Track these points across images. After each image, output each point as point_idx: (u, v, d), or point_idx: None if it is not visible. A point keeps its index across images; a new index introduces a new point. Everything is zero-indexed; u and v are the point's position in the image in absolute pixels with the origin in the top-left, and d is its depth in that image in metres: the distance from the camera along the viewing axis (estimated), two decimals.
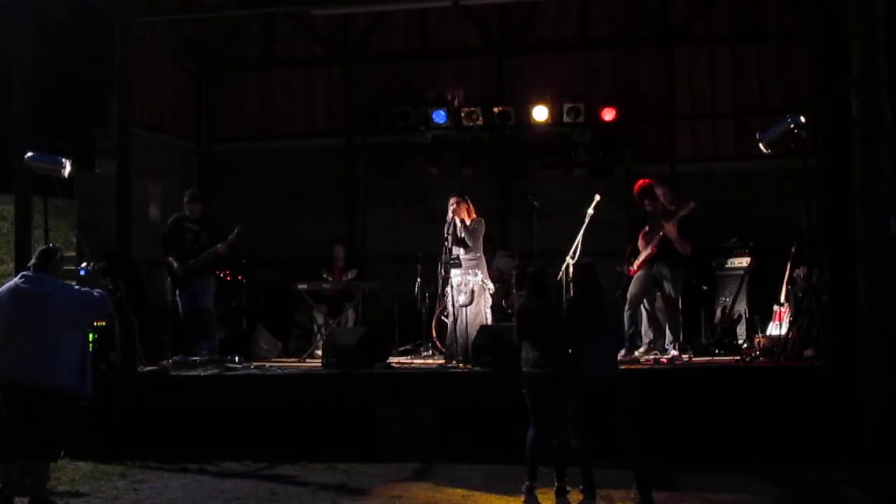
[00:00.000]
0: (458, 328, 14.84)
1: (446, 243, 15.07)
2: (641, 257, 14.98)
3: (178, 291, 15.91)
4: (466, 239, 15.03)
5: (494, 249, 16.92)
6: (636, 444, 10.92)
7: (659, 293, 15.09)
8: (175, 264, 15.75)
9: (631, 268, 15.14)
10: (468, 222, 15.06)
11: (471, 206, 15.25)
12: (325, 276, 17.33)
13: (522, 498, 10.91)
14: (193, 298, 15.72)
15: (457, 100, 19.02)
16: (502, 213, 18.74)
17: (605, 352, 11.12)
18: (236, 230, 15.61)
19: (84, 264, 13.76)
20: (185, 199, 16.02)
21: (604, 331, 11.14)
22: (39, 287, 10.64)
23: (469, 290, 14.89)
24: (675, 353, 14.62)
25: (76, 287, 11.35)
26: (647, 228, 15.10)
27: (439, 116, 18.67)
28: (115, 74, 16.12)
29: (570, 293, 14.19)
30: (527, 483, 11.03)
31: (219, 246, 15.56)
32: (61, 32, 19.67)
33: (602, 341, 11.09)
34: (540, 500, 10.82)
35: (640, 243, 15.06)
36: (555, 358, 11.05)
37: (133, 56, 16.65)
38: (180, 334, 16.03)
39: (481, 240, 15.27)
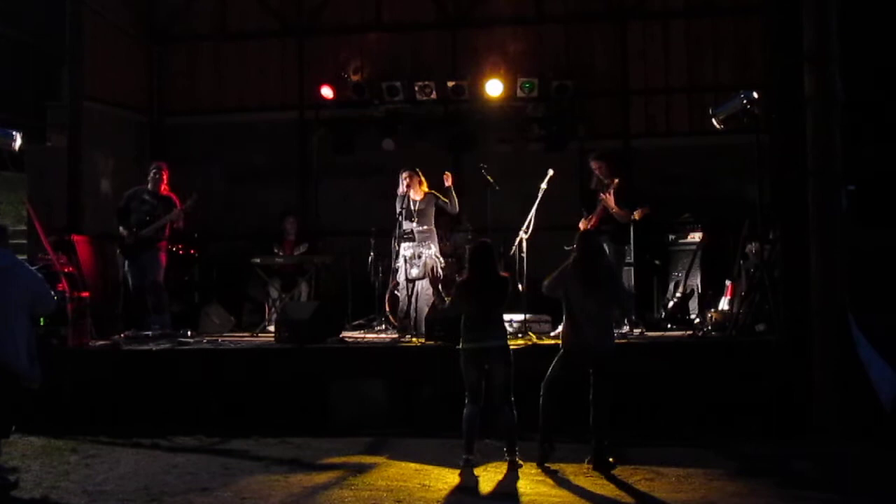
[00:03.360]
0: (410, 302, 14.87)
1: (399, 217, 15.10)
2: None
3: (126, 265, 15.81)
4: (448, 200, 15.12)
5: (452, 224, 16.93)
6: (608, 421, 11.06)
7: None
8: (124, 233, 15.63)
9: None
10: (422, 197, 15.14)
11: (423, 179, 15.29)
12: (276, 250, 17.29)
13: (465, 470, 11.03)
14: (142, 273, 15.63)
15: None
16: (456, 187, 18.71)
17: (598, 321, 11.25)
18: (192, 198, 15.54)
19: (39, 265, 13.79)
20: (151, 170, 15.89)
21: (597, 300, 11.24)
22: (2, 261, 10.60)
23: (422, 264, 14.92)
24: (626, 327, 14.68)
25: (34, 269, 11.36)
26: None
27: (393, 90, 18.63)
28: (67, 47, 16.01)
29: (523, 268, 14.34)
30: (464, 457, 11.17)
31: (173, 213, 15.48)
32: (12, 4, 19.53)
33: (595, 311, 11.22)
34: (488, 474, 10.96)
35: (582, 222, 15.13)
36: (494, 332, 11.16)
37: (85, 29, 16.56)
38: (131, 309, 15.94)
39: (433, 213, 15.34)
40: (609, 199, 14.83)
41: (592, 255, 11.55)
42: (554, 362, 11.35)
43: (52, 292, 11.49)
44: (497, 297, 11.33)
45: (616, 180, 14.89)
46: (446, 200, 15.22)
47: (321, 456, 11.98)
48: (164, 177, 15.89)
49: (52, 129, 17.49)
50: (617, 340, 12.90)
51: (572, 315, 11.30)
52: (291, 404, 13.49)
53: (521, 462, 11.10)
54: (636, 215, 15.01)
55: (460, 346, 11.29)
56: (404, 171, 15.36)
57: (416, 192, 15.24)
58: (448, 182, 15.13)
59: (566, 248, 13.29)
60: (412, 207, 15.18)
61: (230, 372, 13.88)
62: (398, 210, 15.19)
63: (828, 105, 12.71)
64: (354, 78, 18.91)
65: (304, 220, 18.73)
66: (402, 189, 15.24)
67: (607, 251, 14.79)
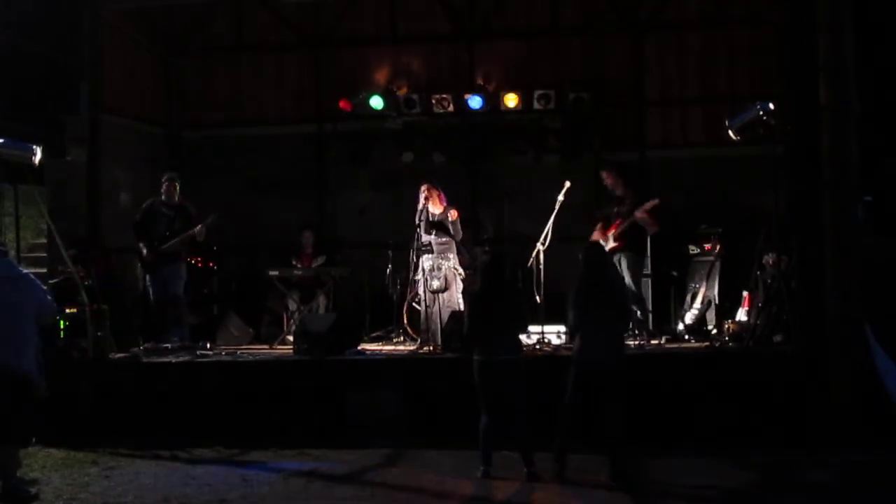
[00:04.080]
0: (430, 314, 14.88)
1: (418, 230, 15.12)
2: (607, 248, 14.94)
3: (148, 278, 15.85)
4: (451, 229, 15.12)
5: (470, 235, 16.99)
6: (623, 432, 11.07)
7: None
8: (144, 250, 15.69)
9: None
10: (441, 211, 15.15)
11: (442, 193, 15.31)
12: (293, 262, 17.32)
13: (482, 482, 11.13)
14: (164, 285, 15.68)
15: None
16: (473, 199, 18.76)
17: (606, 334, 11.24)
18: (213, 215, 15.60)
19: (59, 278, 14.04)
20: (164, 180, 15.92)
21: (606, 313, 11.25)
22: (11, 271, 10.73)
23: (443, 276, 14.93)
24: (643, 339, 14.67)
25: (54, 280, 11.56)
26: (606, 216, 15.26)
27: (410, 103, 18.68)
28: (85, 61, 16.07)
29: (540, 279, 14.37)
30: (481, 468, 11.28)
31: (196, 228, 15.52)
32: (31, 18, 19.59)
33: (603, 324, 11.21)
34: (505, 485, 11.02)
35: (598, 232, 15.09)
36: (505, 345, 11.20)
37: (103, 43, 16.63)
38: (151, 321, 15.98)
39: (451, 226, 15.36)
40: (646, 218, 14.79)
41: (597, 268, 11.55)
42: (569, 376, 11.35)
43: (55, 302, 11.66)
44: (508, 311, 11.37)
45: (656, 201, 14.86)
46: (451, 226, 15.24)
47: (340, 467, 12.03)
48: (176, 186, 15.94)
49: (71, 142, 17.51)
50: (635, 352, 13.00)
51: (582, 329, 11.31)
52: (310, 416, 13.51)
53: (538, 473, 11.12)
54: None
55: (473, 358, 11.34)
56: (424, 183, 15.39)
57: (435, 206, 15.25)
58: (453, 217, 15.16)
59: (580, 256, 13.39)
60: (430, 220, 15.19)
61: (249, 384, 13.91)
62: (417, 222, 15.20)
63: (843, 115, 12.72)
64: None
65: (322, 232, 18.75)
66: (421, 202, 15.26)
67: (626, 263, 14.82)
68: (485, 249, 16.43)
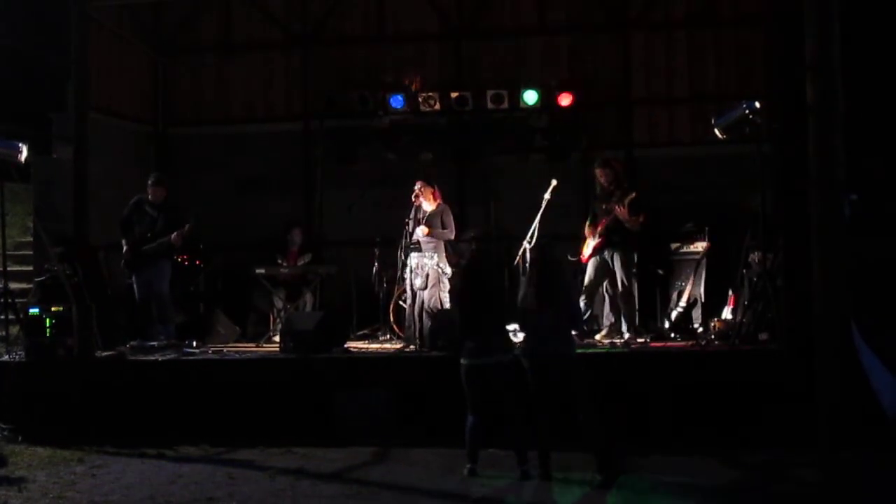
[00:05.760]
0: (415, 312, 14.88)
1: (407, 227, 15.11)
2: (591, 246, 15.00)
3: (133, 277, 15.80)
4: (446, 225, 15.11)
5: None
6: (597, 423, 11.03)
7: (615, 279, 15.09)
8: (126, 249, 15.64)
9: (582, 256, 15.12)
10: (435, 207, 15.15)
11: (437, 190, 15.30)
12: (279, 260, 17.31)
13: (468, 480, 11.15)
14: (148, 283, 15.61)
15: (414, 84, 19.03)
16: (460, 197, 18.75)
17: (559, 330, 11.21)
18: (189, 224, 15.53)
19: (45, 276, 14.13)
20: (150, 182, 15.85)
21: (557, 310, 11.20)
22: None
23: (425, 275, 14.92)
24: (630, 337, 14.67)
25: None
26: (593, 214, 15.20)
27: (397, 101, 18.67)
28: (72, 59, 16.05)
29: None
30: (468, 466, 11.29)
31: (172, 236, 15.46)
32: (17, 16, 19.57)
33: (555, 320, 11.17)
34: (492, 483, 11.04)
35: (588, 230, 15.08)
36: (491, 347, 11.20)
37: (89, 40, 16.60)
38: (136, 319, 15.95)
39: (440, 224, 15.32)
40: (623, 211, 14.73)
41: (549, 268, 11.48)
42: (529, 379, 11.30)
43: None
44: (491, 313, 11.36)
45: (633, 194, 14.81)
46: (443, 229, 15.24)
47: (326, 465, 12.02)
48: (163, 187, 15.89)
49: (58, 140, 17.51)
50: (622, 351, 12.99)
51: (532, 328, 11.30)
52: (296, 414, 13.48)
53: (530, 472, 11.11)
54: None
55: (460, 362, 11.34)
56: (418, 181, 15.37)
57: (429, 203, 15.24)
58: (424, 234, 15.13)
59: (570, 258, 13.41)
60: (419, 217, 15.19)
61: (235, 382, 13.89)
62: (407, 220, 15.18)
63: (830, 114, 12.72)
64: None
65: (309, 230, 18.75)
66: (414, 199, 15.24)
67: (618, 261, 14.78)
68: (472, 248, 16.40)
